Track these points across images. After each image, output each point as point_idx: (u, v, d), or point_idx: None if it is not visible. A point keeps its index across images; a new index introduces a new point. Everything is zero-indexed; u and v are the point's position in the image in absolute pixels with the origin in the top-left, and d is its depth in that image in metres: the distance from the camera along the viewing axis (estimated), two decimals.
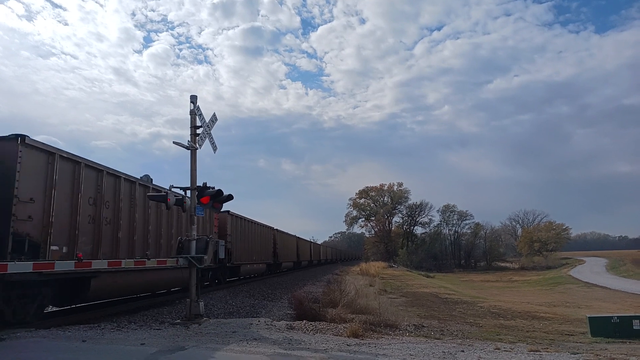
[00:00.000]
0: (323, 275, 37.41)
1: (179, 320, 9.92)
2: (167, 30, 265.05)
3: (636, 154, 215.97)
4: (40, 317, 9.24)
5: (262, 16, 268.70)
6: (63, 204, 9.44)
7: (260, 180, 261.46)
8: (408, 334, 10.62)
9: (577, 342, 12.80)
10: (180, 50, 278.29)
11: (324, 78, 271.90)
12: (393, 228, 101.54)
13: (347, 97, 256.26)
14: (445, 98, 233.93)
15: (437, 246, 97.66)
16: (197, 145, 10.53)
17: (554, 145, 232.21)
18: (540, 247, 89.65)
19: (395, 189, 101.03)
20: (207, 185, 10.50)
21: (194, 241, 10.24)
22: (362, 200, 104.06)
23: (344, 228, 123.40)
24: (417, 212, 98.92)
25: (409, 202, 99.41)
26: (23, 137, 8.35)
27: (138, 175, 12.91)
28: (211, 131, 11.05)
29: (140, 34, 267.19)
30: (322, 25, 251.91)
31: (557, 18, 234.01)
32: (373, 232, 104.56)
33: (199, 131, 10.64)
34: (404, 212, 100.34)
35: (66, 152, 9.65)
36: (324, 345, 7.36)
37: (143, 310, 12.37)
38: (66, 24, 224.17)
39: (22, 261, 7.95)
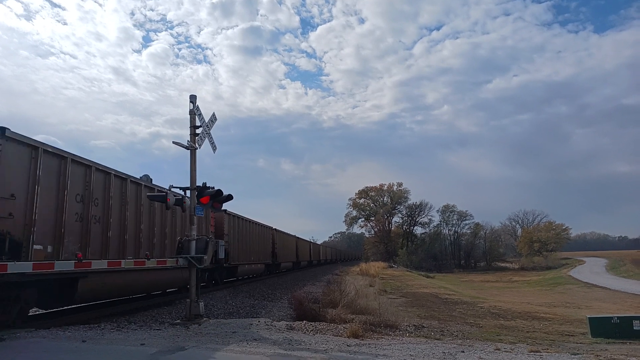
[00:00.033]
0: (323, 275, 37.42)
1: (178, 321, 9.90)
2: (166, 30, 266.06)
3: (635, 153, 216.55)
4: (25, 319, 8.90)
5: (261, 16, 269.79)
6: (48, 201, 8.93)
7: (260, 180, 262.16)
8: (408, 334, 10.60)
9: (577, 343, 12.79)
10: (180, 49, 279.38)
11: (323, 78, 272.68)
12: (393, 228, 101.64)
13: (346, 96, 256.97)
14: (445, 98, 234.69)
15: (436, 246, 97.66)
16: (197, 145, 10.52)
17: (553, 145, 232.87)
18: (540, 248, 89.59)
19: (394, 189, 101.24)
20: (207, 185, 10.50)
21: (194, 241, 10.22)
22: (361, 200, 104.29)
23: (343, 228, 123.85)
24: (416, 212, 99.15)
25: (409, 202, 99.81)
26: (3, 129, 7.85)
27: (138, 175, 12.83)
28: (210, 131, 11.04)
29: (139, 34, 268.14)
30: (321, 24, 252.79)
31: (556, 18, 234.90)
32: (373, 232, 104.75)
33: (198, 131, 10.63)
34: (404, 212, 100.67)
35: (51, 146, 9.14)
36: (324, 345, 7.35)
37: (143, 310, 12.38)
38: (65, 24, 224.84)
39: (3, 261, 7.50)
